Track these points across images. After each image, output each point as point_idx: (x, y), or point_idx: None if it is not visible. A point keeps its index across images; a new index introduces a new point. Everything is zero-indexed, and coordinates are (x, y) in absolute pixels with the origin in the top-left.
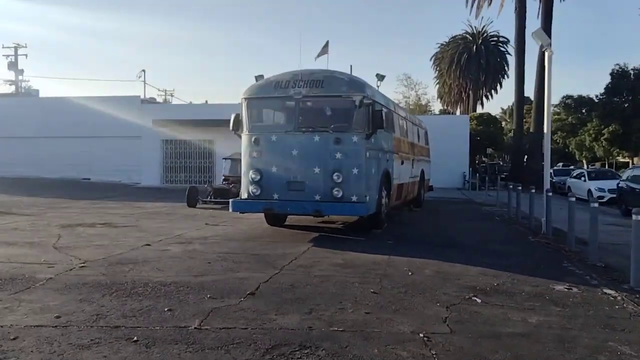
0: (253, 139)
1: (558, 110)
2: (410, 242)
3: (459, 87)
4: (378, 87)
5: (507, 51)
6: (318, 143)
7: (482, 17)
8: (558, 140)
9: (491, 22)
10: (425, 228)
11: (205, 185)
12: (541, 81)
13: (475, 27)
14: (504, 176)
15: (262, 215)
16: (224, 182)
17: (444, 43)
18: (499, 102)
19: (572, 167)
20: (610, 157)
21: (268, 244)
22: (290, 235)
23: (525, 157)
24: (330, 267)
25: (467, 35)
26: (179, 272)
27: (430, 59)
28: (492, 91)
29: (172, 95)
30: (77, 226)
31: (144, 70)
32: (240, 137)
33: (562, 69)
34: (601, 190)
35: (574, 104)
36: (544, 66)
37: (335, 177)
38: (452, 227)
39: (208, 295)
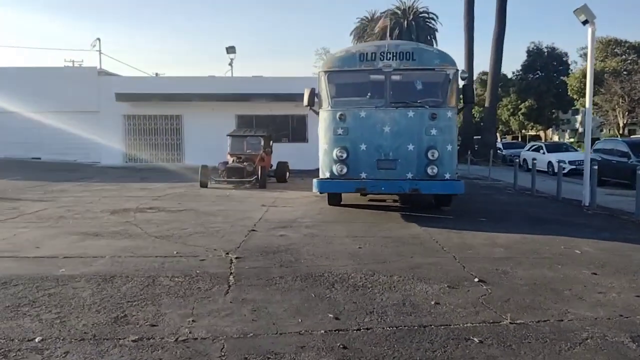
0: (338, 115)
1: (475, 87)
2: (505, 220)
3: None
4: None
5: (435, 28)
6: (412, 119)
7: None
8: (475, 115)
9: None
10: (475, 204)
11: (217, 165)
12: (497, 56)
13: (404, 3)
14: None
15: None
16: (234, 161)
17: (364, 18)
18: None
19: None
20: (524, 130)
21: (376, 225)
22: (379, 216)
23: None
24: (492, 249)
25: (397, 11)
26: (356, 259)
27: (351, 34)
28: None
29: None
30: (127, 211)
31: (98, 39)
32: (316, 112)
33: (478, 47)
34: (562, 162)
35: None
36: (498, 42)
37: (430, 155)
38: (496, 201)
39: (446, 285)
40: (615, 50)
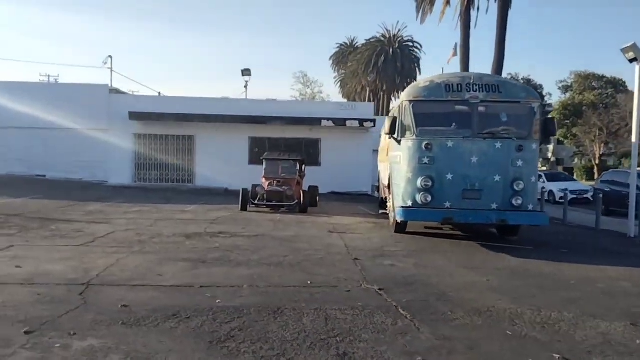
0: (424, 144)
1: None
2: (582, 252)
3: (373, 88)
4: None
5: (419, 57)
6: (500, 150)
7: (398, 22)
8: None
9: (405, 27)
10: (526, 234)
11: (257, 188)
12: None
13: (389, 31)
14: None
15: (351, 219)
16: (271, 185)
17: (344, 44)
18: None
19: None
20: None
21: (468, 255)
22: (458, 246)
23: None
24: (617, 282)
25: (383, 39)
26: (500, 293)
27: (330, 59)
28: (402, 92)
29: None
30: (201, 236)
31: (110, 56)
32: (397, 141)
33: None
34: (563, 191)
35: None
36: (497, 73)
37: (515, 186)
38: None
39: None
40: (592, 84)
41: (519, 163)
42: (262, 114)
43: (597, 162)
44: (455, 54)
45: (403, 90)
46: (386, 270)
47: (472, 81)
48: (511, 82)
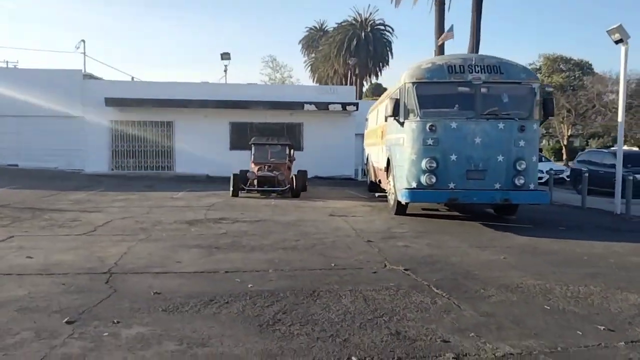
0: (428, 126)
1: None
2: (579, 229)
3: (345, 71)
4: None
5: (391, 40)
6: (503, 130)
7: (369, 5)
8: None
9: (377, 10)
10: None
11: (247, 173)
12: None
13: (361, 15)
14: None
15: (347, 203)
16: (262, 170)
17: (313, 27)
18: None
19: None
20: None
21: (476, 235)
22: (461, 226)
23: None
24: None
25: (355, 22)
26: (521, 270)
27: (299, 43)
28: (374, 76)
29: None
30: (203, 222)
31: (83, 41)
32: (400, 123)
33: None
34: (540, 172)
35: None
36: (473, 51)
37: (518, 165)
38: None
39: None
40: (560, 67)
41: (521, 143)
42: (242, 98)
43: (565, 143)
44: (451, 36)
45: (374, 74)
46: (402, 251)
47: (473, 62)
48: (511, 62)
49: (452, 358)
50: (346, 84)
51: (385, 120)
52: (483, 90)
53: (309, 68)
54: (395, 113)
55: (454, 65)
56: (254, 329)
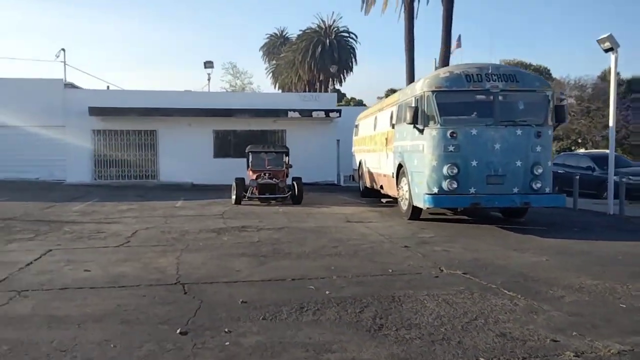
0: (449, 133)
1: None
2: (589, 230)
3: (310, 78)
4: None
5: (355, 47)
6: (520, 137)
7: (333, 12)
8: None
9: (341, 17)
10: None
11: (250, 180)
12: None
13: (325, 22)
14: None
15: (352, 209)
16: (261, 178)
17: (274, 34)
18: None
19: None
20: None
21: (500, 238)
22: (480, 229)
23: None
24: None
25: (319, 29)
26: (573, 271)
27: (260, 49)
28: (338, 83)
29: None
30: (228, 231)
31: (63, 49)
32: (419, 130)
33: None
34: None
35: None
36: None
37: (535, 170)
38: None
39: None
40: None
41: (538, 148)
42: (225, 106)
43: None
44: (459, 45)
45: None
46: (446, 255)
47: (490, 71)
48: (525, 71)
49: (573, 356)
50: (309, 90)
51: (392, 127)
52: (500, 98)
53: (270, 75)
54: (414, 120)
55: (472, 75)
56: (364, 334)
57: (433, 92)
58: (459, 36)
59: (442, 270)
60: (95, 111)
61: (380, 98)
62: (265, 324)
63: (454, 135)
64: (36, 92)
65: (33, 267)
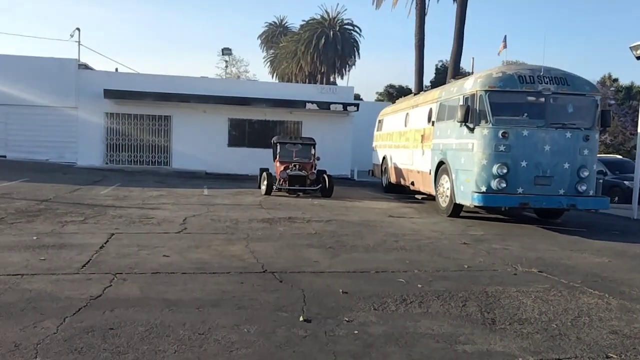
0: (501, 133)
1: (381, 98)
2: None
3: (312, 69)
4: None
5: (359, 40)
6: (570, 139)
7: (337, 4)
8: None
9: (345, 9)
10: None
11: (281, 172)
12: (455, 74)
13: (329, 14)
14: None
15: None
16: (291, 169)
17: (273, 23)
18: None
19: None
20: None
21: (544, 238)
22: (520, 228)
23: None
24: None
25: (323, 21)
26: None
27: (259, 38)
28: (339, 76)
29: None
30: (279, 222)
31: (78, 29)
32: (470, 128)
33: (384, 60)
34: None
35: (396, 93)
36: (456, 61)
37: (581, 173)
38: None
39: None
40: None
41: (585, 152)
42: (241, 94)
43: None
44: (505, 46)
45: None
46: (509, 253)
47: (542, 73)
48: (575, 75)
49: None
50: (310, 82)
51: (431, 124)
52: (552, 100)
53: (269, 64)
54: (465, 119)
55: (524, 76)
56: (481, 327)
57: (486, 91)
58: (505, 37)
59: (516, 268)
60: (110, 94)
61: (379, 94)
62: (379, 314)
63: (506, 135)
64: (49, 71)
65: (108, 250)
